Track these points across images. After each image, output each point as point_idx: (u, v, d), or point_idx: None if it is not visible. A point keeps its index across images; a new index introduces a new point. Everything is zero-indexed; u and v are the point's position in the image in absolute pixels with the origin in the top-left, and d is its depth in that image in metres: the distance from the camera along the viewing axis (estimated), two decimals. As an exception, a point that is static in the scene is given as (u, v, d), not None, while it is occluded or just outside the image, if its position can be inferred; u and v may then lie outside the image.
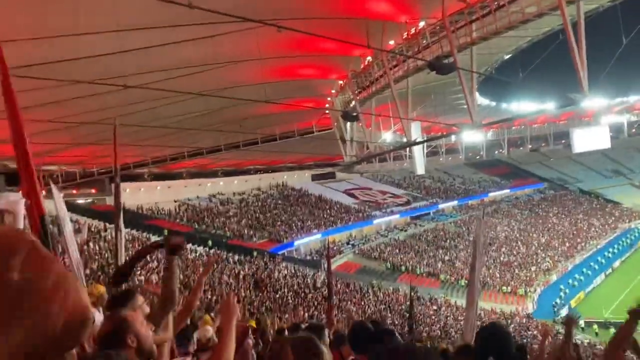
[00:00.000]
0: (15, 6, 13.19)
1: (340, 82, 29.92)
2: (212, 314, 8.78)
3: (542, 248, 50.59)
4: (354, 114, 27.33)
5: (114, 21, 14.50)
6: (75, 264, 9.12)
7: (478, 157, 71.07)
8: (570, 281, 43.36)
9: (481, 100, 46.38)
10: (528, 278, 43.63)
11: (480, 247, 8.49)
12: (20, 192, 5.90)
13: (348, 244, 47.29)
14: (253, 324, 9.75)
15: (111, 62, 17.64)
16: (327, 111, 33.83)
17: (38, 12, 13.80)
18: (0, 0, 12.69)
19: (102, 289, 5.51)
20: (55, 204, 9.87)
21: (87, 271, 19.51)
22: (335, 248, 43.57)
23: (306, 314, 27.05)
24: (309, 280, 35.59)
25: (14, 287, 0.90)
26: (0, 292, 0.90)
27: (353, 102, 29.52)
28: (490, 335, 2.74)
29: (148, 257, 31.22)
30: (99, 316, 5.47)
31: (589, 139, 43.76)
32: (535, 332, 31.55)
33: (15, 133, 5.80)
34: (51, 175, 34.33)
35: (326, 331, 3.63)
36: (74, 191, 39.49)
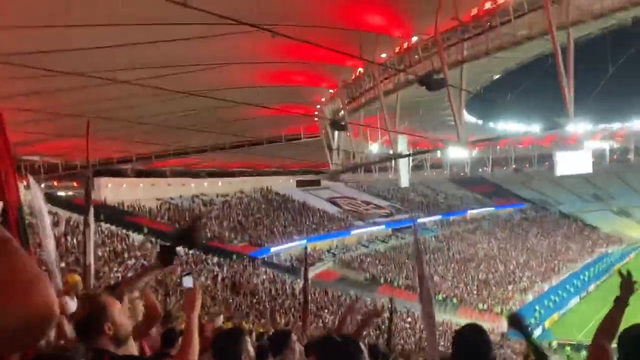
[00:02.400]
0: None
1: (331, 90, 30.07)
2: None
3: (520, 267, 51.05)
4: (342, 123, 27.47)
5: (107, 14, 14.44)
6: (51, 257, 9.03)
7: (462, 174, 71.81)
8: (545, 302, 43.79)
9: (469, 118, 46.85)
10: (505, 296, 43.96)
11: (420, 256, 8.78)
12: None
13: (329, 252, 47.25)
14: (228, 325, 9.70)
15: (102, 56, 17.54)
16: (316, 119, 33.93)
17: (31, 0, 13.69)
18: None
19: (77, 277, 5.47)
20: (32, 196, 9.77)
21: (63, 264, 19.21)
22: (315, 256, 43.50)
23: (282, 320, 26.94)
24: (287, 286, 35.47)
25: None
26: None
27: (342, 112, 29.66)
28: (470, 338, 2.65)
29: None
30: (72, 304, 5.44)
31: (572, 163, 44.44)
32: (508, 351, 31.77)
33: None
34: (32, 165, 33.90)
35: (292, 337, 3.62)
36: (55, 183, 39.02)
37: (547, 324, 40.15)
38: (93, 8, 14.44)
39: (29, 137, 25.34)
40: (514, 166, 75.49)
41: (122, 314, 2.52)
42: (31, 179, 10.35)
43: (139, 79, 17.37)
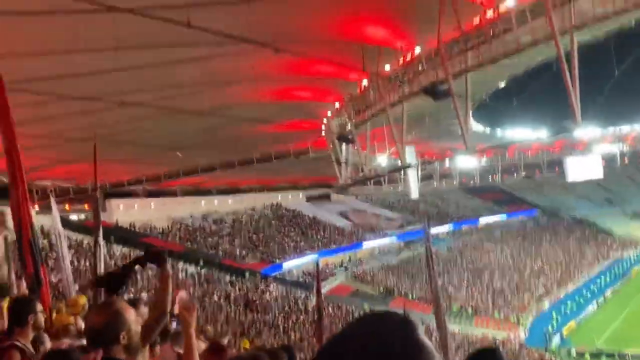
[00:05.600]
0: (14, 21, 13.30)
1: (337, 104, 30.15)
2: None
3: (534, 275, 50.46)
4: (350, 136, 27.49)
5: (112, 39, 14.62)
6: (67, 278, 9.12)
7: (472, 183, 71.39)
8: (562, 309, 43.18)
9: (476, 126, 46.68)
10: (520, 305, 43.42)
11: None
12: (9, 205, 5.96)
13: (341, 266, 47.03)
14: (246, 344, 9.61)
15: (108, 80, 17.74)
16: (322, 133, 34.00)
17: (37, 28, 13.92)
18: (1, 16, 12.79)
19: (84, 299, 5.48)
20: (53, 219, 9.90)
21: (76, 287, 19.29)
22: (327, 270, 43.32)
23: (297, 336, 26.80)
24: (300, 302, 35.31)
25: None
26: None
27: (349, 125, 29.70)
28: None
29: (138, 276, 30.95)
30: (80, 322, 5.46)
31: (582, 168, 43.97)
32: (527, 360, 31.35)
33: (8, 147, 5.87)
34: (44, 190, 34.19)
35: (296, 353, 3.54)
36: (67, 207, 39.28)
37: (565, 331, 39.54)
38: (97, 33, 14.63)
39: (39, 162, 25.61)
40: (524, 173, 74.95)
41: (137, 322, 2.45)
42: (53, 202, 10.49)
43: (144, 101, 17.54)
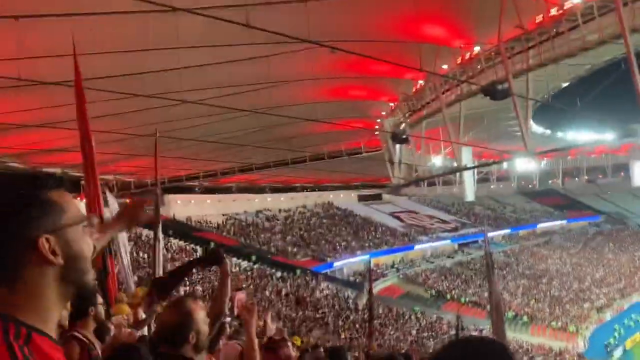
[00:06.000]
0: (87, 21, 13.93)
1: (391, 104, 29.88)
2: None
3: (596, 284, 48.31)
4: (404, 136, 27.18)
5: (173, 38, 15.08)
6: (125, 268, 9.47)
7: (530, 186, 69.03)
8: (626, 321, 41.12)
9: (536, 127, 45.14)
10: (580, 314, 41.68)
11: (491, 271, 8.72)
12: (81, 198, 6.26)
13: (392, 267, 46.65)
14: (298, 341, 9.59)
15: (169, 78, 18.30)
16: (376, 132, 33.78)
17: (104, 29, 14.53)
18: (73, 16, 13.42)
19: (143, 291, 5.66)
20: (110, 211, 10.28)
21: (135, 278, 20.05)
22: (379, 271, 43.05)
23: (346, 335, 26.79)
24: (350, 301, 35.28)
25: None
26: None
27: (403, 125, 29.40)
28: None
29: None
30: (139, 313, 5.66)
31: (651, 173, 41.79)
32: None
33: (84, 141, 6.15)
34: (107, 184, 35.68)
35: (347, 354, 3.57)
36: (128, 201, 40.76)
37: (628, 344, 37.65)
38: (160, 33, 15.10)
39: (103, 157, 26.70)
40: (586, 177, 71.82)
41: (205, 323, 2.51)
42: (109, 195, 10.92)
43: (204, 99, 17.97)
